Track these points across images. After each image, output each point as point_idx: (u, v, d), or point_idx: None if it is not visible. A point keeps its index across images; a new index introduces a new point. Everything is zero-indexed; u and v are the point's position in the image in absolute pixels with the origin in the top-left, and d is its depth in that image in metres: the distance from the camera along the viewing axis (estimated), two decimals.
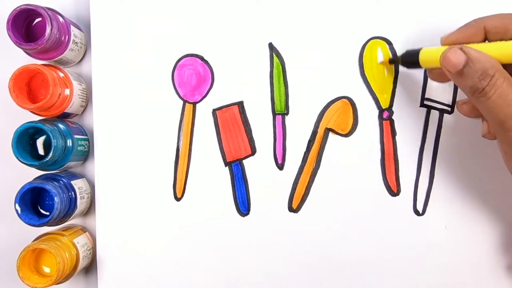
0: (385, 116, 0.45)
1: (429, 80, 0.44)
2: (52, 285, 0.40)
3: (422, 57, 0.40)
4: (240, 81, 0.45)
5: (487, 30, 0.38)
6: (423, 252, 0.44)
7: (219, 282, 0.45)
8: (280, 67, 0.45)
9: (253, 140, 0.45)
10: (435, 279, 0.44)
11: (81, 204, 0.44)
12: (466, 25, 0.39)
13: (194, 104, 0.46)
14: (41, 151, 0.43)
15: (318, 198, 0.45)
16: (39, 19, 0.44)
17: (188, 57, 0.46)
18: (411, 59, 0.41)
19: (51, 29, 0.40)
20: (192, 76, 0.46)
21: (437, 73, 0.41)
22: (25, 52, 0.43)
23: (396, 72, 0.45)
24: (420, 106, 0.45)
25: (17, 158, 0.40)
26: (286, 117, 0.45)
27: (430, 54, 0.39)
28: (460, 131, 0.44)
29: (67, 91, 0.43)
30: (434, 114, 0.45)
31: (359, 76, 0.45)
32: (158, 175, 0.45)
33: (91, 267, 0.46)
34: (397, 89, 0.45)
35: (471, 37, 0.38)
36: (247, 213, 0.45)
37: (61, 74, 0.43)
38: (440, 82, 0.43)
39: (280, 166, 0.45)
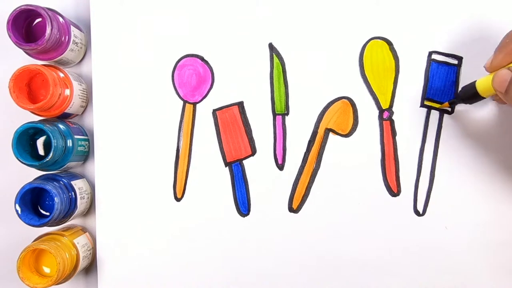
0: (385, 116, 0.45)
1: (429, 80, 0.44)
2: (52, 286, 0.40)
3: (479, 88, 0.40)
4: (240, 81, 0.45)
5: None
6: (423, 252, 0.44)
7: (219, 282, 0.45)
8: (280, 67, 0.45)
9: (253, 141, 0.45)
10: (435, 279, 0.44)
11: (81, 205, 0.44)
12: (503, 46, 0.39)
13: (194, 104, 0.46)
14: (41, 152, 0.43)
15: (318, 198, 0.45)
16: (39, 19, 0.44)
17: (188, 57, 0.46)
18: (470, 93, 0.41)
19: (51, 30, 0.40)
20: (192, 76, 0.46)
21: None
22: (25, 52, 0.43)
23: (397, 72, 0.45)
24: (420, 106, 0.45)
25: (17, 158, 0.40)
26: (286, 117, 0.45)
27: (486, 82, 0.39)
28: (460, 131, 0.44)
29: (67, 92, 0.43)
30: (434, 114, 0.45)
31: (359, 76, 0.45)
32: (158, 176, 0.45)
33: (91, 267, 0.46)
34: (397, 89, 0.45)
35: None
36: (247, 214, 0.45)
37: (61, 75, 0.43)
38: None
39: (280, 167, 0.45)
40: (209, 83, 0.46)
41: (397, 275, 0.45)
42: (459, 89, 0.44)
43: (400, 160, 0.45)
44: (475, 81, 0.41)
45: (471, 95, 0.41)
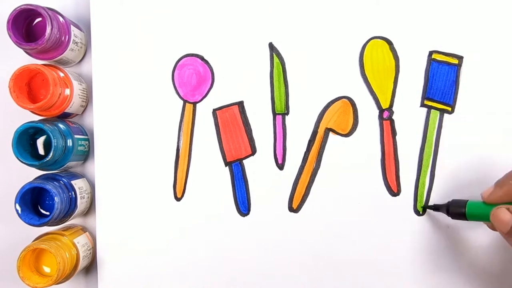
0: (385, 116, 0.45)
1: (429, 80, 0.44)
2: (52, 285, 0.40)
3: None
4: (240, 81, 0.45)
5: None
6: (423, 252, 0.44)
7: (219, 282, 0.45)
8: (280, 67, 0.45)
9: (253, 140, 0.45)
10: (435, 279, 0.44)
11: (81, 204, 0.44)
12: (504, 183, 0.38)
13: (194, 104, 0.46)
14: (41, 151, 0.43)
15: (318, 198, 0.45)
16: (39, 19, 0.44)
17: (188, 57, 0.46)
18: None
19: (51, 29, 0.40)
20: (192, 76, 0.46)
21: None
22: (25, 52, 0.43)
23: (397, 72, 0.45)
24: (420, 106, 0.45)
25: (17, 158, 0.40)
26: (286, 117, 0.45)
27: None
28: (460, 131, 0.44)
29: (67, 91, 0.43)
30: (434, 114, 0.45)
31: (359, 76, 0.45)
32: (158, 175, 0.45)
33: (91, 267, 0.46)
34: (397, 89, 0.45)
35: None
36: (247, 213, 0.45)
37: (61, 74, 0.43)
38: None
39: (280, 166, 0.45)
40: (209, 82, 0.46)
41: (396, 275, 0.45)
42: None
43: (400, 160, 0.45)
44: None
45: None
